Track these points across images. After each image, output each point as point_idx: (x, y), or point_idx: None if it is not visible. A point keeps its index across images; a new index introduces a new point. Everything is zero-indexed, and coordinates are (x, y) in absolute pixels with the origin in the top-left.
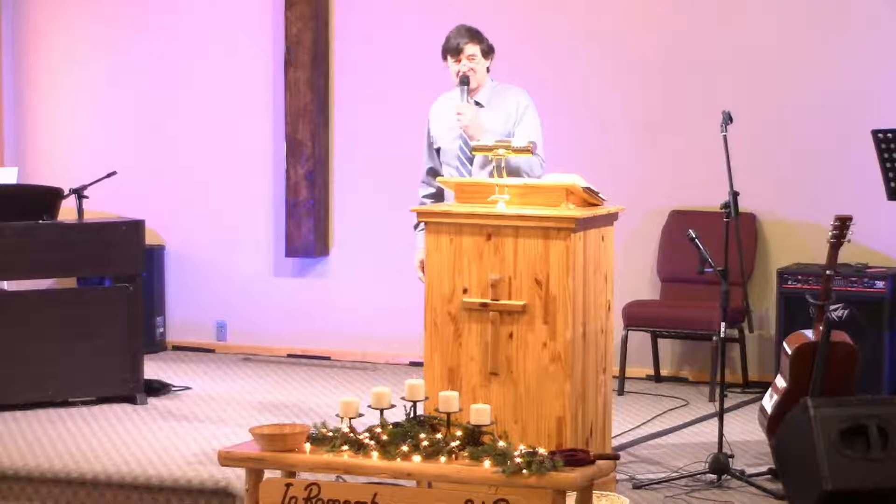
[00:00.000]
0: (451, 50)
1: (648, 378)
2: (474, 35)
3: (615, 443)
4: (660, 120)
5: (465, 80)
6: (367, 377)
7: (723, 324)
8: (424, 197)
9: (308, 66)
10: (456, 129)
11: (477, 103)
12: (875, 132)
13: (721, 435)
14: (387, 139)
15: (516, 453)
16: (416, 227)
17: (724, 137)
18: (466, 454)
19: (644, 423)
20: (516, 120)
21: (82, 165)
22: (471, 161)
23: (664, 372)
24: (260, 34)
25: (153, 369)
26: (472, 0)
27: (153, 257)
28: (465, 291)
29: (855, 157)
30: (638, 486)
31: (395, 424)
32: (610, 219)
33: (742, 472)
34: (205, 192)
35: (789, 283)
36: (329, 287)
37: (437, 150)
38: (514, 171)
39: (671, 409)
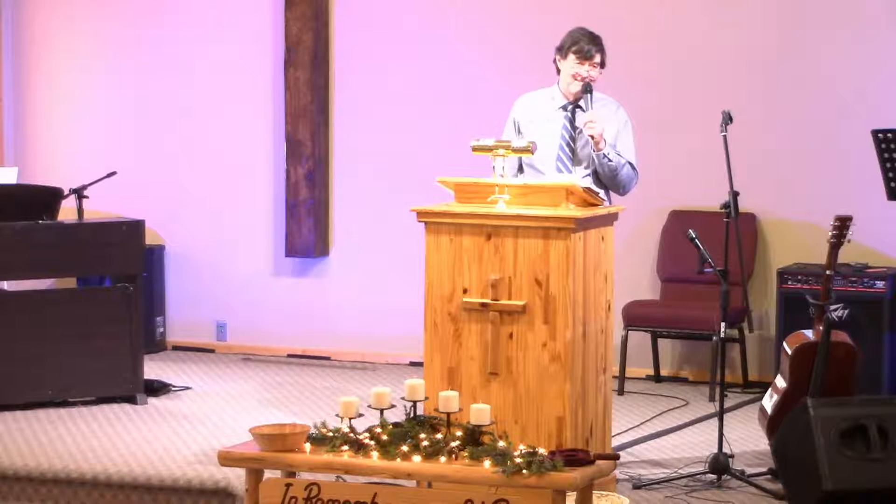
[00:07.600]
0: (581, 53)
1: (648, 378)
2: (601, 44)
3: (615, 443)
4: (659, 120)
5: (589, 88)
6: (367, 377)
7: (723, 324)
8: None
9: (308, 66)
10: (554, 133)
11: (578, 107)
12: (875, 132)
13: (721, 435)
14: (387, 139)
15: (516, 453)
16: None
17: (724, 137)
18: (466, 454)
19: (644, 423)
20: (616, 135)
21: (82, 165)
22: (572, 163)
23: (664, 372)
24: (260, 34)
25: (153, 369)
26: (472, 0)
27: (153, 257)
28: (465, 291)
29: (855, 157)
30: (638, 486)
31: (395, 424)
32: (610, 219)
33: (742, 472)
34: (205, 191)
35: (789, 283)
36: (329, 287)
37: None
38: (614, 185)
39: (671, 409)
